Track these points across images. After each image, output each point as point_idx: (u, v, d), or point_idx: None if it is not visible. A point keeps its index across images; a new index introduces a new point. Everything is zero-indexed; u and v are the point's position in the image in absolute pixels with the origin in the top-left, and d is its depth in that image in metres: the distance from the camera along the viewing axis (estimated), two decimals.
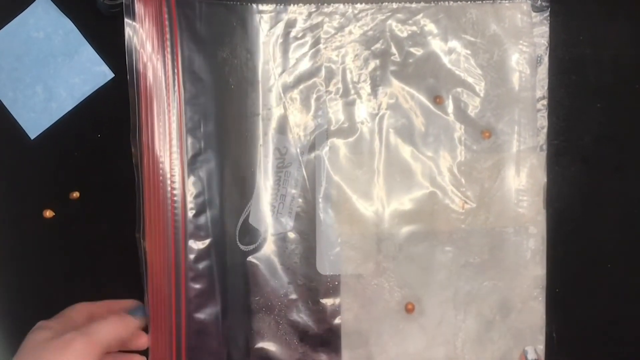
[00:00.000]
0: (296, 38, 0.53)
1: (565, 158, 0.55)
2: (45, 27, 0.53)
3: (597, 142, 0.55)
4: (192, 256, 0.52)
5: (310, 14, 0.53)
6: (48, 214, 0.53)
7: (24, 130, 0.54)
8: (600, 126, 0.55)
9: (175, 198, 0.52)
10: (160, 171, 0.52)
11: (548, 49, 0.54)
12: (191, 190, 0.52)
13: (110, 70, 0.54)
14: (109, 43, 0.53)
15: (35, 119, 0.54)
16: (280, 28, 0.53)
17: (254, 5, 0.53)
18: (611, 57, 0.55)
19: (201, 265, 0.52)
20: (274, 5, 0.53)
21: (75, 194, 0.54)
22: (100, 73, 0.54)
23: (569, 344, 0.55)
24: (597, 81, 0.55)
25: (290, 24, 0.53)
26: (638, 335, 0.55)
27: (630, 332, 0.55)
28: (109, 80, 0.54)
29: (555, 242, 0.54)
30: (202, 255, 0.52)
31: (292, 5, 0.53)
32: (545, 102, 0.54)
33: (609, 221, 0.55)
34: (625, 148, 0.55)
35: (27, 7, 0.53)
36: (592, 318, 0.55)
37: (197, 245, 0.52)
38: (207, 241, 0.52)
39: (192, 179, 0.52)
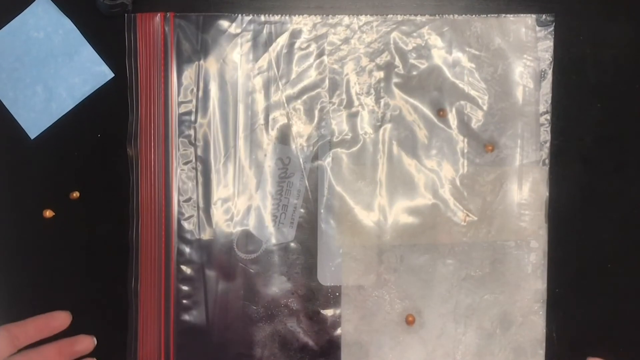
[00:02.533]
0: (301, 49, 0.53)
1: (565, 158, 0.55)
2: (45, 27, 0.53)
3: (597, 142, 0.55)
4: (182, 259, 0.53)
5: (315, 25, 0.53)
6: (48, 214, 0.53)
7: (24, 130, 0.54)
8: (600, 126, 0.55)
9: (167, 201, 0.53)
10: (155, 176, 0.53)
11: (552, 63, 0.54)
12: (184, 195, 0.53)
13: (110, 70, 0.54)
14: (109, 43, 0.54)
15: (35, 119, 0.53)
16: (284, 38, 0.53)
17: (258, 16, 0.53)
18: (611, 57, 0.55)
19: (190, 268, 0.53)
20: (279, 15, 0.53)
21: (75, 194, 0.54)
22: (100, 73, 0.54)
23: (569, 344, 0.55)
24: (597, 81, 0.55)
25: (295, 35, 0.53)
26: (638, 335, 0.55)
27: (630, 332, 0.55)
28: (109, 80, 0.54)
29: (555, 242, 0.54)
30: (191, 258, 0.53)
31: (297, 15, 0.53)
32: (548, 116, 0.54)
33: (609, 221, 0.55)
34: (625, 148, 0.55)
35: (27, 7, 0.53)
36: (592, 318, 0.55)
37: (186, 249, 0.53)
38: (197, 246, 0.53)
39: (185, 184, 0.53)
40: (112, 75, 0.54)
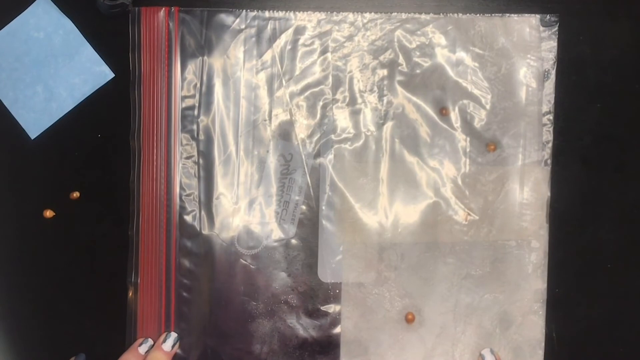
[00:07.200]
0: (304, 45, 0.53)
1: (565, 158, 0.55)
2: (46, 27, 0.53)
3: (597, 142, 0.55)
4: (182, 252, 0.53)
5: (319, 22, 0.53)
6: (48, 214, 0.53)
7: (24, 130, 0.54)
8: (600, 126, 0.55)
9: (169, 195, 0.53)
10: (157, 170, 0.53)
11: (556, 63, 0.54)
12: (186, 190, 0.53)
13: (110, 70, 0.54)
14: (109, 43, 0.54)
15: (35, 119, 0.53)
16: (288, 35, 0.53)
17: (262, 12, 0.53)
18: (611, 57, 0.55)
19: (191, 263, 0.53)
20: (283, 12, 0.53)
21: (75, 194, 0.54)
22: (100, 73, 0.54)
23: (568, 344, 0.55)
24: (597, 81, 0.55)
25: (299, 31, 0.53)
26: (638, 336, 0.55)
27: (630, 332, 0.55)
28: (109, 80, 0.54)
29: (555, 242, 0.54)
30: (192, 252, 0.53)
31: (301, 12, 0.53)
32: (551, 116, 0.54)
33: (609, 221, 0.55)
34: (625, 148, 0.55)
35: (27, 7, 0.53)
36: (592, 318, 0.55)
37: (187, 243, 0.53)
38: (198, 240, 0.53)
39: (187, 179, 0.53)
40: (112, 75, 0.54)
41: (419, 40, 0.54)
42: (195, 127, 0.53)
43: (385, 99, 0.54)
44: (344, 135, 0.54)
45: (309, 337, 0.54)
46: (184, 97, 0.53)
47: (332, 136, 0.54)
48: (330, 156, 0.54)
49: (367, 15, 0.54)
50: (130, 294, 0.53)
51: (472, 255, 0.54)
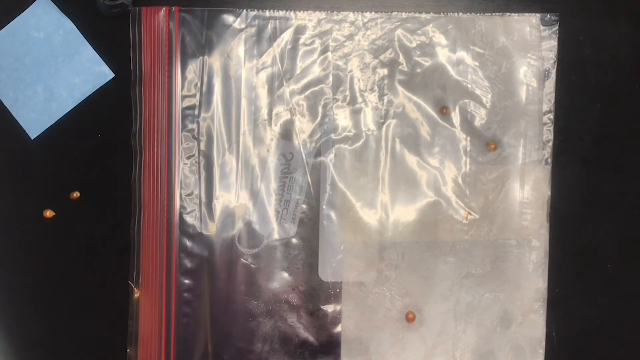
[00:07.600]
0: (305, 45, 0.53)
1: (565, 157, 0.55)
2: (46, 27, 0.53)
3: (597, 142, 0.55)
4: (183, 253, 0.53)
5: (319, 21, 0.54)
6: (48, 214, 0.53)
7: (24, 130, 0.54)
8: (600, 126, 0.55)
9: (169, 195, 0.53)
10: (158, 169, 0.53)
11: (556, 63, 0.54)
12: (186, 189, 0.53)
13: (110, 70, 0.54)
14: (109, 43, 0.54)
15: (35, 119, 0.53)
16: (289, 34, 0.53)
17: (263, 12, 0.53)
18: (611, 57, 0.55)
19: (192, 262, 0.53)
20: (284, 11, 0.53)
21: (75, 194, 0.53)
22: (100, 73, 0.54)
23: (568, 343, 0.55)
24: (597, 81, 0.55)
25: (299, 31, 0.53)
26: (638, 336, 0.55)
27: (630, 332, 0.55)
28: (109, 80, 0.54)
29: (555, 241, 0.54)
30: (193, 252, 0.53)
31: (301, 11, 0.53)
32: (551, 115, 0.54)
33: (609, 221, 0.55)
34: (625, 148, 0.55)
35: (27, 7, 0.53)
36: (592, 318, 0.55)
37: (188, 243, 0.53)
38: (199, 240, 0.53)
39: (188, 178, 0.53)
40: (112, 75, 0.54)
41: (420, 39, 0.54)
42: (195, 126, 0.53)
43: (385, 98, 0.54)
44: (344, 135, 0.54)
45: (309, 336, 0.54)
46: (184, 97, 0.53)
47: (333, 135, 0.54)
48: (331, 155, 0.54)
49: (368, 15, 0.54)
50: (131, 294, 0.53)
51: (472, 254, 0.54)
